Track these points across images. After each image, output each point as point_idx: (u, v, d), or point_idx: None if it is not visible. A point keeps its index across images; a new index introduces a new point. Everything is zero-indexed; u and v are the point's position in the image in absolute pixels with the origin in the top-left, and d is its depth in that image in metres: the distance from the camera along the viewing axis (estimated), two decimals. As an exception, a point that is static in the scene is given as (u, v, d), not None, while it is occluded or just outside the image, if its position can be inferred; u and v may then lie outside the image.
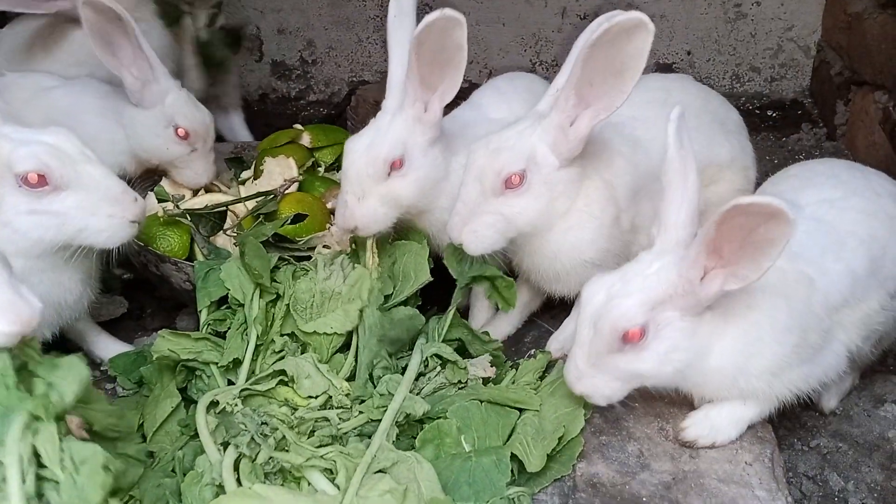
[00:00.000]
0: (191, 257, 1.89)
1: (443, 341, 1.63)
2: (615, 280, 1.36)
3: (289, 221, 1.88)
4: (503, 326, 1.89)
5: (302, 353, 1.63)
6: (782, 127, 3.03)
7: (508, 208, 1.56)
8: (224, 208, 1.96)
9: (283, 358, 1.62)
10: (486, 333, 1.72)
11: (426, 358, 1.57)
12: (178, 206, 1.87)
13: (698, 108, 1.85)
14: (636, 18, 1.39)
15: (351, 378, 1.62)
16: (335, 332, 1.59)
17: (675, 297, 1.31)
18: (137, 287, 2.11)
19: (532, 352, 1.78)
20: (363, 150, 1.62)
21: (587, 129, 1.52)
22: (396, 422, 1.41)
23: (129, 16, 1.86)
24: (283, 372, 1.56)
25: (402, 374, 1.55)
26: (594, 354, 1.36)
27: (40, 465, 1.18)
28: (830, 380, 1.51)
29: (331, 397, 1.54)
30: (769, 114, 3.13)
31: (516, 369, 1.63)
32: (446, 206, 1.67)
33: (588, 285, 1.40)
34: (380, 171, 1.61)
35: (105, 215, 1.51)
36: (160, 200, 1.91)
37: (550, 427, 1.43)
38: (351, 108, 3.07)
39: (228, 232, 1.91)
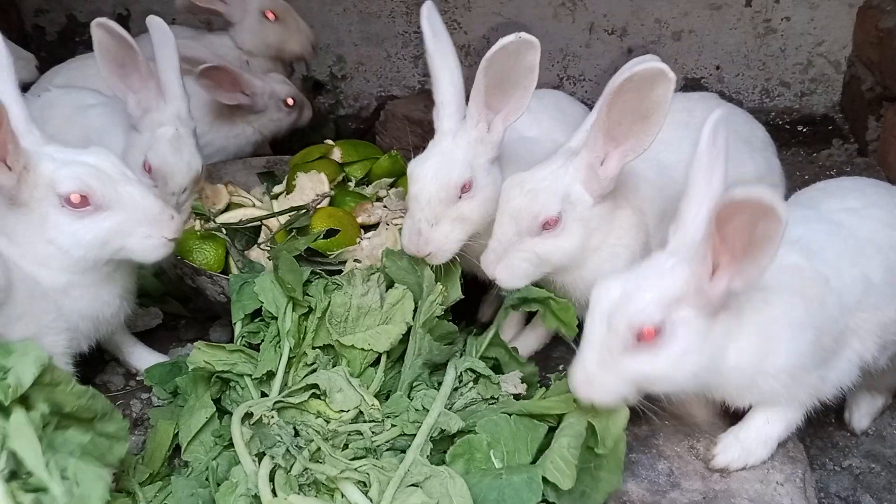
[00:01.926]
0: (225, 270, 1.93)
1: (479, 358, 1.64)
2: (629, 277, 1.33)
3: (321, 236, 1.91)
4: (531, 342, 1.90)
5: (333, 367, 1.66)
6: (813, 142, 3.01)
7: (544, 248, 1.57)
8: (259, 223, 2.00)
9: (314, 371, 1.65)
10: (528, 359, 1.72)
11: (460, 373, 1.59)
12: (214, 221, 1.91)
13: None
14: (657, 69, 1.41)
15: (380, 393, 1.65)
16: (371, 349, 1.61)
17: (690, 294, 1.29)
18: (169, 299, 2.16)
19: (562, 368, 1.78)
20: (432, 175, 1.62)
21: (617, 168, 1.54)
22: (431, 437, 1.42)
23: (136, 44, 1.88)
24: (315, 385, 1.58)
25: (436, 388, 1.56)
26: (605, 353, 1.32)
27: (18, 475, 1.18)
28: (846, 387, 1.49)
29: (362, 412, 1.56)
30: (799, 129, 3.12)
31: (546, 387, 1.63)
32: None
33: (599, 282, 1.36)
34: (452, 196, 1.62)
35: (144, 234, 1.56)
36: (197, 215, 1.95)
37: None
38: (380, 122, 3.10)
39: (262, 246, 1.94)
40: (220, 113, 2.54)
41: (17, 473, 1.18)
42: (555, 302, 1.64)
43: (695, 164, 1.35)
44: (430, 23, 1.67)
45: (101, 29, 1.86)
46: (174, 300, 2.12)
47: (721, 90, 3.16)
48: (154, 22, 1.98)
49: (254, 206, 2.20)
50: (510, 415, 1.50)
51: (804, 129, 3.11)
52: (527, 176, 1.59)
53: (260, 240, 1.97)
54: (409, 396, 1.60)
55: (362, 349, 1.65)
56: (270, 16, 2.79)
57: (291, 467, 1.35)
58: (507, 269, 1.58)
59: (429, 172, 1.63)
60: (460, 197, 1.64)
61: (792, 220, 1.22)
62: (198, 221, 1.95)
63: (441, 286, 1.67)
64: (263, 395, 1.62)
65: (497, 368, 1.69)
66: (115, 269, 1.60)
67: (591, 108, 2.13)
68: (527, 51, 1.52)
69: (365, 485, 1.31)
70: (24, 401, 1.22)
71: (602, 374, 1.32)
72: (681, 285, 1.29)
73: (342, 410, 1.56)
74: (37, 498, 1.14)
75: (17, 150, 1.42)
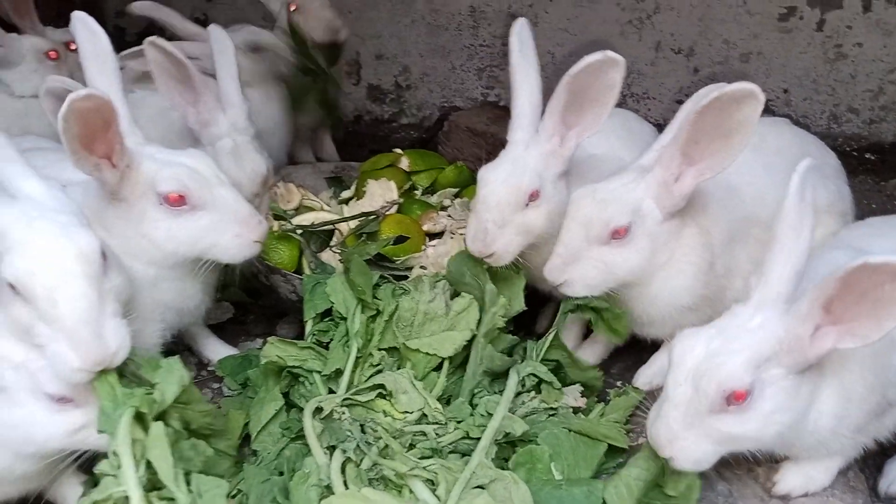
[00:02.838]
0: (298, 270, 2.01)
1: (540, 361, 1.68)
2: (713, 335, 1.30)
3: (392, 242, 1.98)
4: (589, 357, 1.92)
5: (398, 369, 1.72)
6: (881, 171, 2.97)
7: (611, 257, 1.59)
8: (332, 226, 2.07)
9: (379, 371, 1.71)
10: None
11: (522, 378, 1.62)
12: (290, 222, 1.99)
13: (793, 152, 1.85)
14: (747, 89, 1.42)
15: (441, 398, 1.69)
16: (436, 354, 1.66)
17: (781, 354, 1.26)
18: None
19: (620, 384, 1.81)
20: (503, 180, 1.66)
21: (691, 186, 1.56)
22: (495, 440, 1.47)
23: (189, 61, 1.93)
24: (381, 385, 1.64)
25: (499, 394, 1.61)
26: (692, 414, 1.28)
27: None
28: None
29: (425, 415, 1.61)
30: (867, 157, 3.07)
31: (605, 402, 1.66)
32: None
33: (680, 340, 1.33)
34: (520, 202, 1.66)
35: (233, 235, 1.64)
36: (275, 216, 2.04)
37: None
38: (443, 133, 3.16)
39: (334, 248, 2.02)
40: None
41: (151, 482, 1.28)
42: (609, 311, 1.66)
43: (782, 220, 1.31)
44: (520, 38, 1.72)
45: (154, 48, 1.92)
46: (243, 293, 2.21)
47: (788, 114, 3.13)
48: (214, 31, 2.05)
49: (322, 209, 2.28)
50: (570, 431, 1.54)
51: (872, 157, 3.06)
52: (599, 186, 1.62)
53: (333, 242, 2.04)
54: (470, 403, 1.66)
55: (426, 353, 1.70)
56: (292, 7, 2.79)
57: (361, 462, 1.41)
58: (573, 276, 1.60)
59: (500, 177, 1.68)
60: (527, 205, 1.68)
61: None
62: (276, 223, 2.03)
63: (503, 298, 1.71)
64: (331, 391, 1.69)
65: (558, 371, 1.72)
66: (200, 265, 1.69)
67: (655, 126, 2.17)
68: (610, 69, 1.56)
69: (432, 483, 1.36)
70: (161, 415, 1.32)
71: (687, 434, 1.29)
72: (772, 344, 1.26)
73: (406, 412, 1.62)
74: None
75: (123, 149, 1.51)
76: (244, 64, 2.33)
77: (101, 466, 1.27)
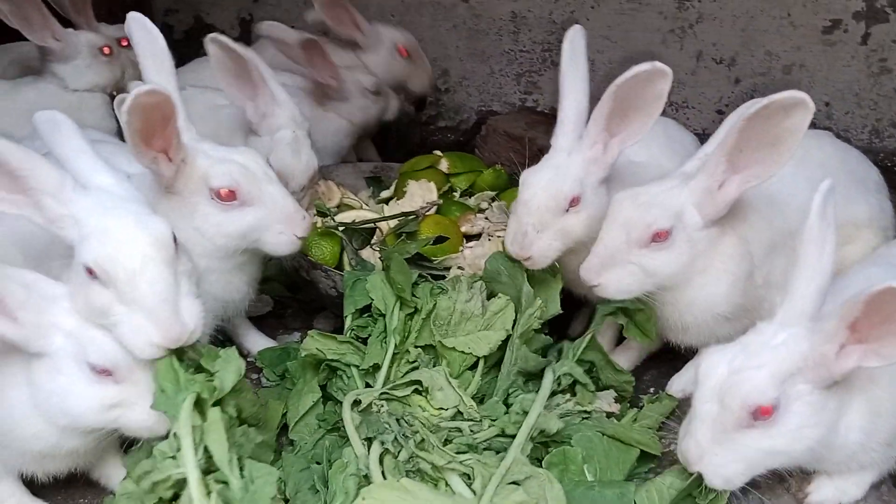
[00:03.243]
0: (339, 266, 2.06)
1: (576, 362, 1.70)
2: (736, 352, 1.32)
3: (431, 242, 2.02)
4: (622, 363, 1.92)
5: (434, 367, 1.75)
6: (923, 187, 2.92)
7: (651, 261, 1.60)
8: (373, 224, 2.12)
9: (416, 368, 1.75)
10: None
11: (559, 376, 1.64)
12: (333, 219, 2.04)
13: (836, 166, 1.86)
14: (797, 98, 1.42)
15: (475, 396, 1.72)
16: (472, 353, 1.69)
17: (806, 370, 1.28)
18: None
19: (653, 391, 1.82)
20: (545, 184, 1.69)
21: (735, 193, 1.57)
22: (531, 437, 1.49)
23: (252, 55, 2.01)
24: (418, 381, 1.68)
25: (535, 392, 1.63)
26: (719, 431, 1.30)
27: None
28: None
29: (460, 412, 1.64)
30: (909, 172, 3.03)
31: (638, 408, 1.68)
32: None
33: (705, 358, 1.35)
34: (561, 207, 1.69)
35: (278, 230, 1.70)
36: (318, 213, 2.09)
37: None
38: (480, 136, 3.19)
39: (374, 246, 2.06)
40: (313, 113, 2.63)
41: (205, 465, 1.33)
42: (641, 312, 1.68)
43: (805, 238, 1.33)
44: (573, 45, 1.74)
45: (215, 44, 2.00)
46: (284, 287, 2.26)
47: (829, 127, 3.10)
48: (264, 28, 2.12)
49: (361, 208, 2.33)
50: (603, 435, 1.56)
51: (914, 173, 3.02)
52: (640, 190, 1.63)
53: (373, 241, 2.09)
54: (504, 403, 1.68)
55: (462, 352, 1.73)
56: (403, 52, 2.95)
57: (399, 454, 1.45)
58: (611, 278, 1.61)
59: (541, 181, 1.71)
60: (567, 210, 1.71)
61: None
62: (319, 219, 2.08)
63: (540, 300, 1.74)
64: (367, 385, 1.73)
65: (590, 373, 1.74)
66: (247, 259, 1.74)
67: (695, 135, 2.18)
68: (658, 79, 1.58)
69: (468, 478, 1.39)
70: (218, 402, 1.38)
71: (716, 450, 1.31)
72: (796, 360, 1.27)
73: (441, 409, 1.65)
74: (222, 490, 1.29)
75: (179, 144, 1.58)
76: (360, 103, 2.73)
77: (161, 447, 1.32)
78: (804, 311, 1.31)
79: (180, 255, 1.42)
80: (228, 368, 1.39)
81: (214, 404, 1.36)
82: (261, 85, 2.08)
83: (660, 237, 1.59)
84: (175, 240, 1.41)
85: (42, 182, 1.34)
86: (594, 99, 1.71)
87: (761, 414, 1.27)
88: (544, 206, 1.69)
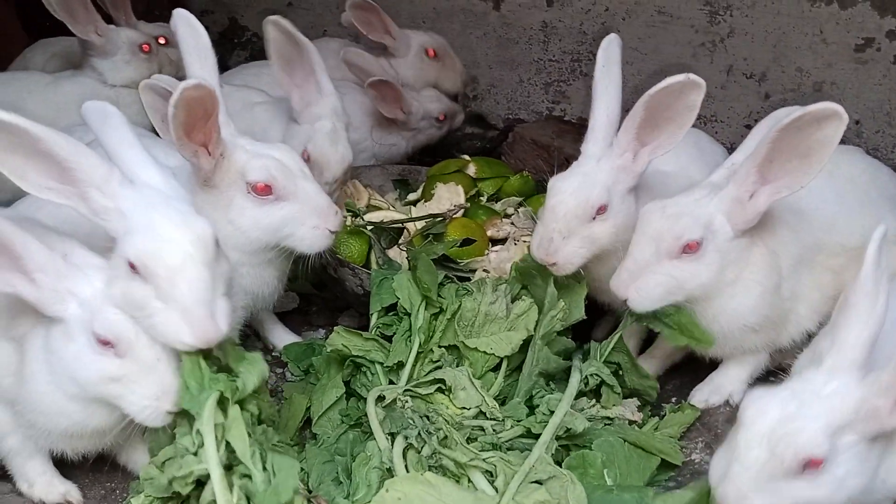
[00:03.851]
0: (366, 265, 2.09)
1: (603, 362, 1.70)
2: (787, 398, 1.28)
3: (458, 244, 2.04)
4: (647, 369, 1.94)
5: (457, 367, 1.77)
6: (953, 208, 2.89)
7: (681, 272, 1.60)
8: (401, 224, 2.15)
9: (439, 367, 1.77)
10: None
11: (585, 376, 1.65)
12: (363, 218, 2.07)
13: (866, 182, 1.85)
14: (831, 109, 1.42)
15: (497, 397, 1.74)
16: (493, 353, 1.71)
17: (857, 422, 1.25)
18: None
19: (675, 400, 1.82)
20: (573, 191, 1.70)
21: (766, 204, 1.57)
22: (556, 436, 1.50)
23: (309, 44, 2.05)
24: (441, 380, 1.70)
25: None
26: (764, 479, 1.25)
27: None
28: None
29: (482, 412, 1.66)
30: (939, 193, 3.00)
31: (660, 417, 1.68)
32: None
33: (753, 401, 1.30)
34: (588, 214, 1.70)
35: (311, 226, 1.72)
36: (349, 211, 2.12)
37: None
38: (507, 144, 3.21)
39: (402, 246, 2.09)
40: (378, 123, 2.76)
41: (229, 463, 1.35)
42: (686, 315, 1.65)
43: (859, 287, 1.30)
44: (608, 53, 1.76)
45: (276, 27, 2.04)
46: (310, 284, 2.29)
47: (858, 145, 3.08)
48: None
49: (389, 209, 2.36)
50: (624, 441, 1.56)
51: (944, 194, 2.99)
52: (668, 202, 1.63)
53: (401, 241, 2.11)
54: (525, 404, 1.69)
55: (485, 353, 1.75)
56: (431, 53, 2.99)
57: (422, 449, 1.46)
58: (641, 290, 1.61)
59: (570, 188, 1.71)
60: (594, 218, 1.71)
61: None
62: (348, 217, 2.12)
63: (562, 303, 1.75)
64: (391, 382, 1.76)
65: (618, 375, 1.74)
66: (277, 254, 1.77)
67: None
68: (691, 91, 1.59)
69: (491, 475, 1.41)
70: (240, 402, 1.40)
71: (756, 497, 1.26)
72: (848, 412, 1.25)
73: (464, 408, 1.67)
74: (244, 484, 1.31)
75: (219, 139, 1.62)
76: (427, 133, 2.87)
77: (184, 442, 1.34)
78: (855, 360, 1.29)
79: (220, 256, 1.44)
80: (252, 371, 1.42)
81: (235, 404, 1.38)
82: (310, 73, 2.12)
83: (690, 248, 1.59)
84: (216, 241, 1.42)
85: (90, 174, 1.36)
86: (623, 110, 1.72)
87: (811, 465, 1.24)
88: (571, 213, 1.70)
